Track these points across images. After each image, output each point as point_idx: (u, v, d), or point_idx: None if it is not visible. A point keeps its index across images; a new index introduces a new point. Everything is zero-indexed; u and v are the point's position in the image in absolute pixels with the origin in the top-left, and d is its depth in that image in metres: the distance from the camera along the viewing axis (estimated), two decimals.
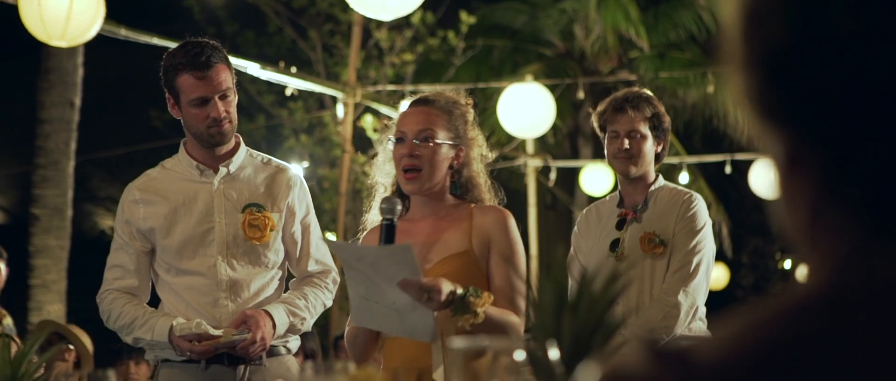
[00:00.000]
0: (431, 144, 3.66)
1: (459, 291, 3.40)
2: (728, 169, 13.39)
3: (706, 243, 4.69)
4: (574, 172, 15.56)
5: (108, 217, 19.42)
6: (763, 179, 12.96)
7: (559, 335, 1.92)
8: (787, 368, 0.94)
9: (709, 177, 16.66)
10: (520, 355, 1.76)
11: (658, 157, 4.80)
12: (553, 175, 14.13)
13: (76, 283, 10.42)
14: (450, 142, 3.71)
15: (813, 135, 0.99)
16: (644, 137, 4.73)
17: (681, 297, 4.59)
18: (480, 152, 3.83)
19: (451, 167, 3.74)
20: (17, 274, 11.42)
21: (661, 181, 4.84)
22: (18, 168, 16.79)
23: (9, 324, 6.73)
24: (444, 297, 3.36)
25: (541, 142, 14.74)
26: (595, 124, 4.90)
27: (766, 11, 1.01)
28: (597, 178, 14.16)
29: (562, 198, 17.63)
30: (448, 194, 3.77)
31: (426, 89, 11.62)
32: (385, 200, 3.59)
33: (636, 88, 4.95)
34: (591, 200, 17.23)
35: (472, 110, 3.84)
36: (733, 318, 1.00)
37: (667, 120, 4.79)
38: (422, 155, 3.66)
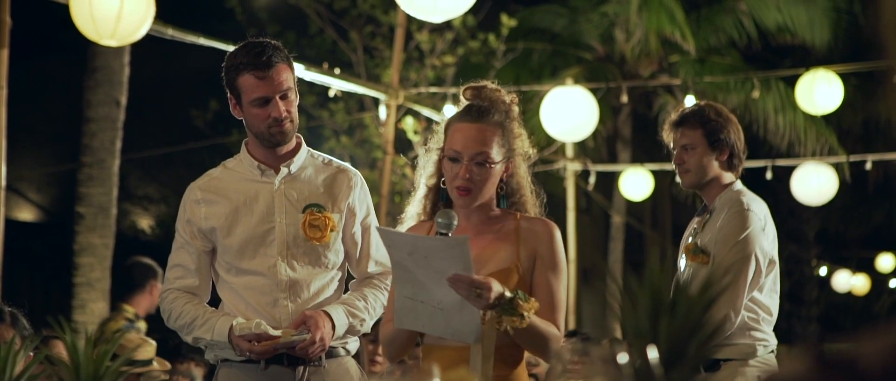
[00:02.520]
0: (487, 167, 3.65)
1: (508, 293, 3.43)
2: (769, 175, 13.31)
3: (743, 253, 4.70)
4: (612, 177, 15.53)
5: (146, 217, 19.51)
6: (805, 185, 12.88)
7: (656, 338, 1.91)
8: None
9: (746, 182, 16.58)
10: (623, 357, 1.76)
11: (729, 164, 4.87)
12: (592, 179, 14.11)
13: (114, 281, 10.47)
14: (502, 159, 3.70)
15: None
16: (694, 149, 4.83)
17: None
18: (524, 151, 3.82)
19: (500, 180, 3.74)
20: (61, 272, 11.49)
21: (733, 189, 4.87)
22: (60, 167, 16.89)
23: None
24: (493, 296, 3.38)
25: (580, 146, 14.72)
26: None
27: None
28: (636, 182, 14.14)
29: (600, 202, 17.59)
30: (497, 206, 3.77)
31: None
32: (441, 213, 3.57)
33: (698, 104, 5.09)
34: (630, 204, 17.31)
35: (516, 108, 3.80)
36: (890, 327, 0.99)
37: (726, 130, 4.86)
38: (476, 179, 3.65)
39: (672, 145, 4.97)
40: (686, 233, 5.05)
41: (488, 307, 3.42)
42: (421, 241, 3.53)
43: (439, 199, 3.81)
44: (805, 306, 22.38)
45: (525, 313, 3.42)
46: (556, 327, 3.59)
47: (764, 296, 4.80)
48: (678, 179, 4.99)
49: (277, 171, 4.26)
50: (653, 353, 1.86)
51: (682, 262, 4.92)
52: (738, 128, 4.95)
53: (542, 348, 3.58)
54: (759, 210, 4.78)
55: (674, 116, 5.01)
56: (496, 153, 3.66)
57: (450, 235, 3.53)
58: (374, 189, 12.42)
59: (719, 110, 4.94)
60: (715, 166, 4.88)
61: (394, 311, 3.59)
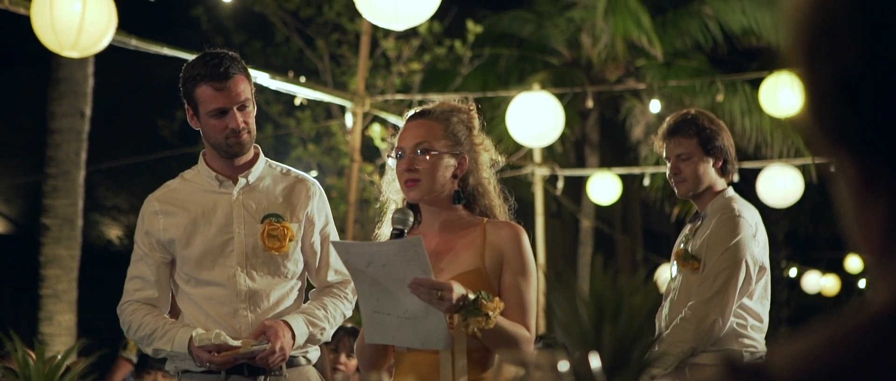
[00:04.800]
0: (428, 157, 3.66)
1: (471, 295, 3.42)
2: (735, 177, 13.36)
3: (733, 259, 4.73)
4: (581, 181, 15.55)
5: (115, 227, 19.43)
6: (771, 187, 12.93)
7: (599, 345, 1.92)
8: None
9: None
10: (564, 366, 1.76)
11: (724, 170, 4.88)
12: (560, 184, 14.13)
13: (83, 292, 10.41)
14: (449, 151, 3.70)
15: (886, 159, 0.97)
16: (690, 158, 4.83)
17: (688, 313, 4.68)
18: (489, 158, 3.83)
19: (455, 176, 3.73)
20: (30, 284, 11.43)
21: (725, 195, 4.88)
22: (26, 178, 16.80)
23: None
24: (455, 297, 3.38)
25: (548, 151, 14.74)
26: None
27: (833, 34, 0.99)
28: (604, 187, 14.17)
29: (568, 207, 17.61)
30: (453, 204, 3.75)
31: (434, 98, 11.62)
32: (398, 210, 3.62)
33: (685, 111, 5.10)
34: (598, 208, 17.34)
35: (476, 116, 3.83)
36: (807, 333, 0.99)
37: (720, 137, 4.88)
38: (420, 168, 3.66)
39: (665, 155, 4.97)
40: (678, 239, 5.07)
41: (451, 310, 3.41)
42: (375, 247, 3.54)
43: (412, 210, 3.81)
44: (775, 307, 22.40)
45: (490, 313, 3.41)
46: (526, 329, 3.57)
47: (754, 303, 4.86)
48: (674, 188, 4.99)
49: (235, 181, 4.26)
50: (595, 360, 1.87)
51: (674, 268, 4.96)
52: (729, 134, 4.98)
53: (512, 349, 3.52)
54: (750, 217, 4.81)
55: (666, 125, 5.00)
56: (439, 144, 3.68)
57: (406, 232, 3.56)
58: (342, 197, 12.40)
59: (711, 118, 4.98)
60: (711, 174, 4.89)
61: (363, 327, 3.59)
